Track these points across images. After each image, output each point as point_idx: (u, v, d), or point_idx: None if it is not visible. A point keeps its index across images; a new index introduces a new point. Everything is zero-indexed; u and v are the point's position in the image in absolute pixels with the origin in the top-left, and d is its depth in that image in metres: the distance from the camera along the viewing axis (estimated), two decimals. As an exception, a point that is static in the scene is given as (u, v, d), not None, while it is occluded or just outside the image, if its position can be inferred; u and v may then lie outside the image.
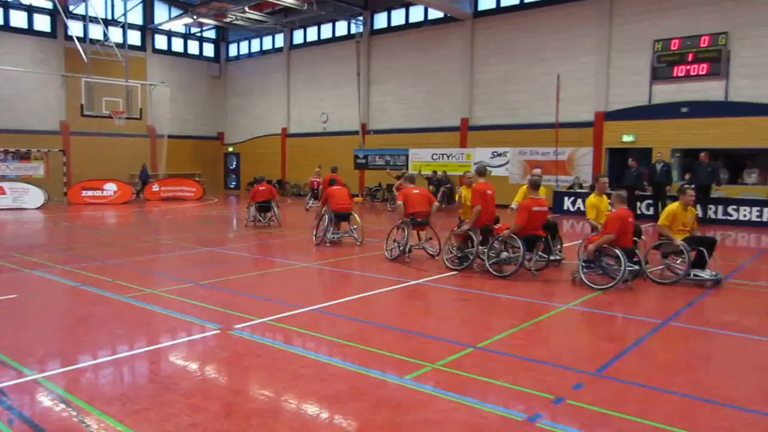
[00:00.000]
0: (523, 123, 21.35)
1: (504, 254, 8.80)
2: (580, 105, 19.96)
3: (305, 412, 3.99)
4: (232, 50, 32.87)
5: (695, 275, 8.05)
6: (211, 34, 32.35)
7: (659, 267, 8.59)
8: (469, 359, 5.06)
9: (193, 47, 32.08)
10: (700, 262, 8.09)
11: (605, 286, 7.76)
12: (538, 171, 10.93)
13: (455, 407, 4.02)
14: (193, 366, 4.87)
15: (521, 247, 8.35)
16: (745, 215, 16.02)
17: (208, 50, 32.76)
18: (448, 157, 23.31)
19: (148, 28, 29.38)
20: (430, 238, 10.49)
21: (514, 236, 8.47)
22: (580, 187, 19.34)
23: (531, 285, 8.14)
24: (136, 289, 7.62)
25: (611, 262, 7.93)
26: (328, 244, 11.67)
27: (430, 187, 20.51)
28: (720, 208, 16.32)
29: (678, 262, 8.38)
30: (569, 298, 7.38)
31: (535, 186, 8.87)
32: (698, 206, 16.29)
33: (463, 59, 22.89)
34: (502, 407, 4.05)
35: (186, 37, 31.47)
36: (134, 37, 28.98)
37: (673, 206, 8.39)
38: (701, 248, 8.12)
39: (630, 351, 5.39)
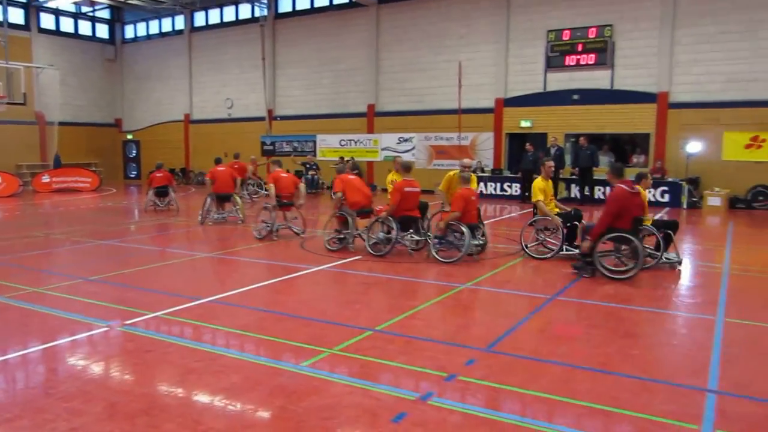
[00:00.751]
0: (427, 109, 21.78)
1: (381, 234, 9.18)
2: (481, 92, 20.63)
3: (195, 407, 3.88)
4: (129, 32, 30.95)
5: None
6: (105, 14, 30.27)
7: (534, 243, 9.25)
8: (366, 342, 5.11)
9: (85, 28, 29.87)
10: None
11: (452, 260, 8.44)
12: (467, 161, 10.21)
13: (350, 391, 4.07)
14: (76, 368, 4.59)
15: (395, 227, 8.88)
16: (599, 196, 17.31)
17: (102, 31, 30.64)
18: (356, 143, 23.37)
19: (32, 5, 26.99)
20: (295, 218, 11.35)
21: (391, 218, 8.95)
22: (482, 171, 20.07)
23: (432, 267, 8.37)
24: (18, 288, 7.06)
25: (458, 237, 8.62)
26: (210, 222, 12.82)
27: (310, 173, 20.60)
28: (604, 188, 17.48)
29: (551, 237, 9.14)
30: (467, 278, 7.65)
31: (464, 176, 8.98)
32: (581, 187, 17.50)
33: (368, 45, 22.93)
34: (395, 387, 4.14)
35: (76, 16, 29.24)
36: (16, 15, 26.55)
37: (537, 181, 9.08)
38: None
39: (520, 326, 5.68)
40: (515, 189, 19.14)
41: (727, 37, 17.08)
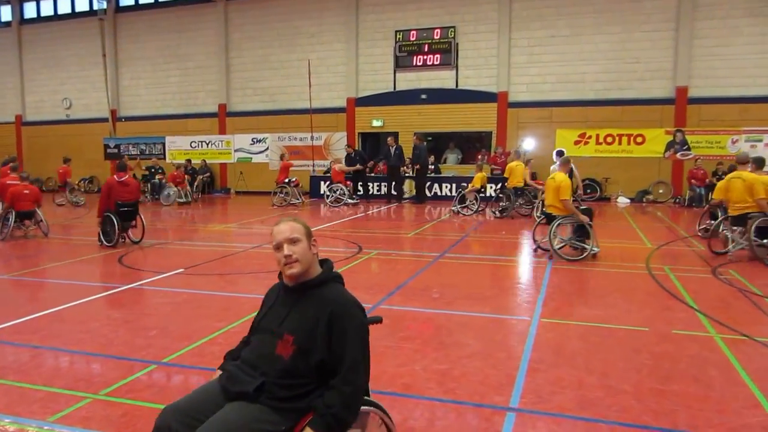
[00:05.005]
0: (280, 109, 21.17)
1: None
2: (333, 91, 20.37)
3: None
4: (-55, 22, 27.37)
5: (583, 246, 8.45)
6: None
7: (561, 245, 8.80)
8: (143, 381, 4.15)
9: None
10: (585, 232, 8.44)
11: None
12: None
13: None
14: None
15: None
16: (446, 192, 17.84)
17: None
18: (208, 144, 22.19)
19: None
20: (134, 226, 10.08)
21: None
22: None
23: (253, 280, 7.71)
24: None
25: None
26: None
27: (186, 176, 19.20)
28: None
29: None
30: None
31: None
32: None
33: (218, 43, 21.87)
34: None
35: None
36: None
37: (565, 177, 8.63)
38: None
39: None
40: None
41: (556, 41, 18.14)
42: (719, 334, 5.09)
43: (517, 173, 13.68)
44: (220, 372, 2.51)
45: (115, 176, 9.92)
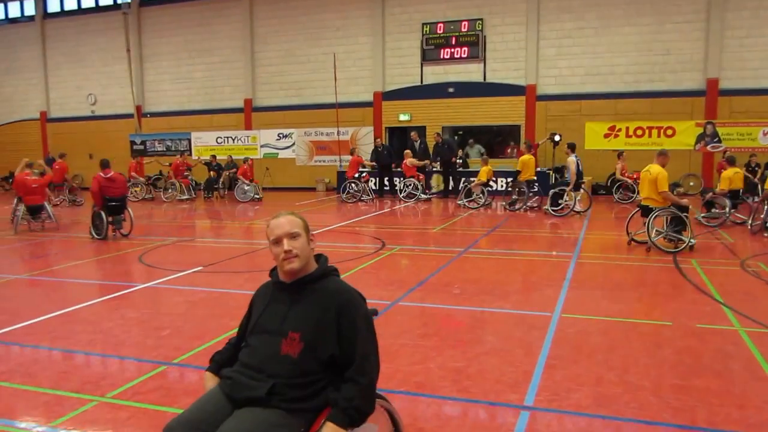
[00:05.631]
0: (306, 103, 21.21)
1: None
2: (359, 85, 20.38)
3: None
4: (-32, 18, 27.51)
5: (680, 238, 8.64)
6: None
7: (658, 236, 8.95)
8: (152, 383, 4.11)
9: None
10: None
11: None
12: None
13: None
14: None
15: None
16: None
17: (-66, 17, 26.98)
18: (234, 140, 22.30)
19: None
20: (124, 220, 10.87)
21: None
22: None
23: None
24: None
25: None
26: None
27: (211, 172, 19.34)
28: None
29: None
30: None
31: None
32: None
33: (243, 37, 21.89)
34: None
35: None
36: None
37: (662, 169, 8.77)
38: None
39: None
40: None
41: (585, 33, 18.04)
42: (744, 327, 5.09)
43: (529, 166, 13.90)
44: (207, 374, 2.46)
45: (100, 173, 10.56)
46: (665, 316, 5.51)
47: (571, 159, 12.82)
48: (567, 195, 12.88)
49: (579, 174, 12.76)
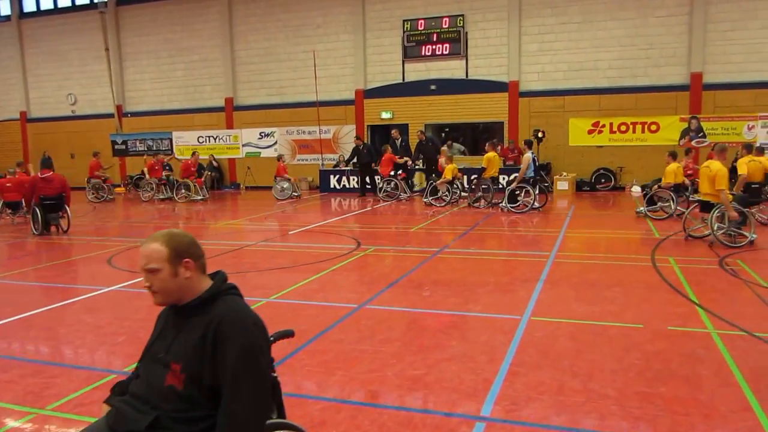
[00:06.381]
0: (288, 102, 20.94)
1: None
2: (341, 83, 20.13)
3: None
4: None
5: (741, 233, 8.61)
6: None
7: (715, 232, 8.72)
8: (97, 393, 3.87)
9: None
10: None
11: None
12: None
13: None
14: None
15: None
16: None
17: None
18: (215, 139, 21.99)
19: None
20: (62, 218, 11.46)
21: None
22: (346, 164, 19.55)
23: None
24: None
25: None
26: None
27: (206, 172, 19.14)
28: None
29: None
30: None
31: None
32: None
33: (222, 35, 21.57)
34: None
35: None
36: None
37: (721, 166, 8.72)
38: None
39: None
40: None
41: (568, 28, 17.83)
42: (717, 329, 4.94)
43: (494, 163, 14.06)
44: (104, 406, 2.23)
45: (39, 173, 11.31)
46: (637, 318, 5.33)
47: (527, 156, 13.01)
48: (521, 192, 13.07)
49: (536, 170, 13.07)
